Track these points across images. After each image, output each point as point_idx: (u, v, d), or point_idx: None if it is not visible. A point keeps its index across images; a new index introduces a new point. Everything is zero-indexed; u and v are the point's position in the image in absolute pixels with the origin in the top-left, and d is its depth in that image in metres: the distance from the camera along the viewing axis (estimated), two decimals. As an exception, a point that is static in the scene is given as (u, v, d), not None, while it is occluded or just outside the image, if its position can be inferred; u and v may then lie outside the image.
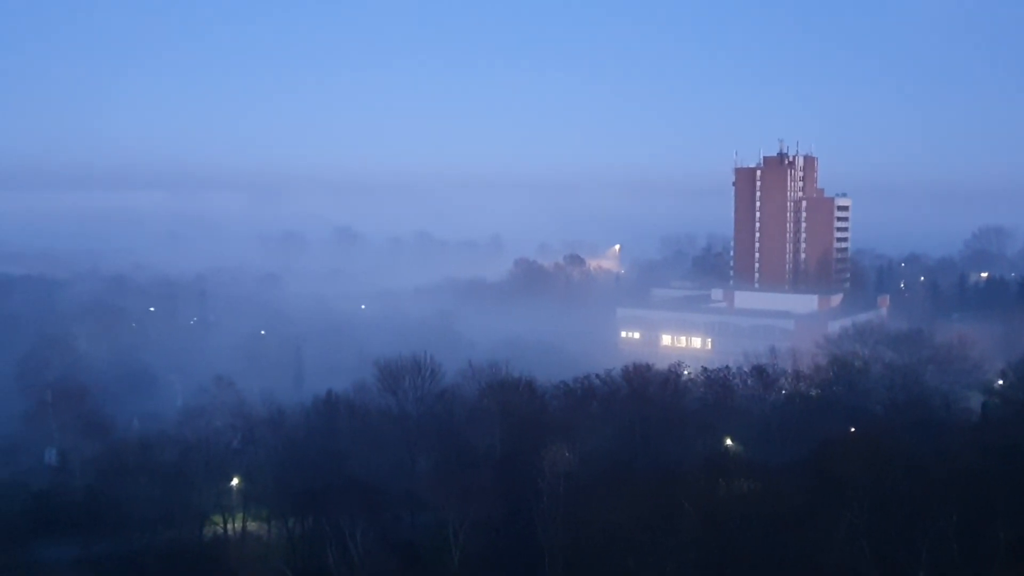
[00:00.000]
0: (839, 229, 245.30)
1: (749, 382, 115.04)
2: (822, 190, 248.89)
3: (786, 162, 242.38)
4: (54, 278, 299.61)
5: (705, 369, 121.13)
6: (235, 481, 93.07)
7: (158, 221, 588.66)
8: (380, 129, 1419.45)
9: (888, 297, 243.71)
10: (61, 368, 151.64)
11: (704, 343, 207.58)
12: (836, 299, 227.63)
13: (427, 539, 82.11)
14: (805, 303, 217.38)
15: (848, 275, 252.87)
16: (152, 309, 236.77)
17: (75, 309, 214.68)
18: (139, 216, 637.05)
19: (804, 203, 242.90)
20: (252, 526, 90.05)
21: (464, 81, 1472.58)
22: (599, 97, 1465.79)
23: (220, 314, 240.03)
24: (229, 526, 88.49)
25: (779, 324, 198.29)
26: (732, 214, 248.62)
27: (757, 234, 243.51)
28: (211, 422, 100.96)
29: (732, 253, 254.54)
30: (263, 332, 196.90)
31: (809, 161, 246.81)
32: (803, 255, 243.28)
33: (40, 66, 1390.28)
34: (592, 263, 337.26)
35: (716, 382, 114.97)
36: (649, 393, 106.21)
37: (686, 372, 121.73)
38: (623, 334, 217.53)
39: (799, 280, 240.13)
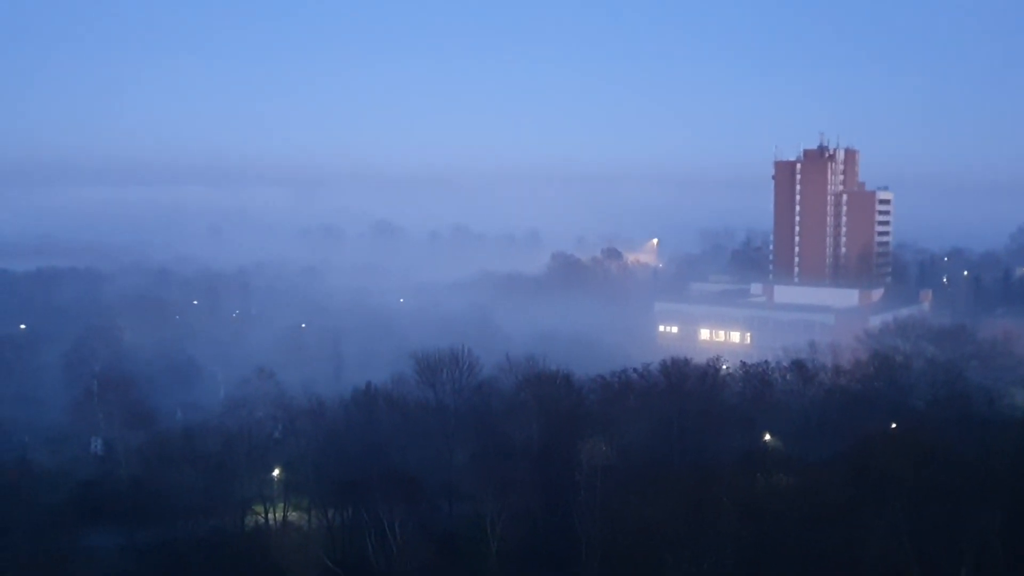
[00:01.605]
0: (880, 223, 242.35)
1: (788, 377, 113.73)
2: (863, 183, 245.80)
3: (826, 155, 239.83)
4: (100, 271, 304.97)
5: (744, 363, 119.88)
6: (276, 471, 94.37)
7: (201, 215, 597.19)
8: (418, 124, 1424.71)
9: (930, 292, 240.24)
10: (107, 359, 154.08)
11: (743, 337, 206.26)
12: (877, 294, 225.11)
13: (465, 530, 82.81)
14: (846, 297, 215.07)
15: (889, 269, 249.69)
16: (195, 302, 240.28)
17: (120, 301, 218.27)
18: (182, 210, 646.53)
19: (845, 197, 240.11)
20: (293, 516, 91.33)
21: (502, 75, 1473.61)
22: (637, 90, 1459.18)
23: (261, 307, 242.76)
24: (270, 516, 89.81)
25: (819, 319, 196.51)
26: (771, 208, 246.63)
27: (797, 228, 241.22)
28: (253, 413, 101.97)
29: (771, 247, 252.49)
30: (303, 325, 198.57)
31: (850, 154, 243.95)
32: (843, 249, 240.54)
33: (85, 63, 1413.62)
34: (630, 257, 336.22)
35: (755, 377, 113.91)
36: (687, 387, 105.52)
37: (724, 367, 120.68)
38: (661, 328, 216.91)
39: (839, 274, 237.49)
